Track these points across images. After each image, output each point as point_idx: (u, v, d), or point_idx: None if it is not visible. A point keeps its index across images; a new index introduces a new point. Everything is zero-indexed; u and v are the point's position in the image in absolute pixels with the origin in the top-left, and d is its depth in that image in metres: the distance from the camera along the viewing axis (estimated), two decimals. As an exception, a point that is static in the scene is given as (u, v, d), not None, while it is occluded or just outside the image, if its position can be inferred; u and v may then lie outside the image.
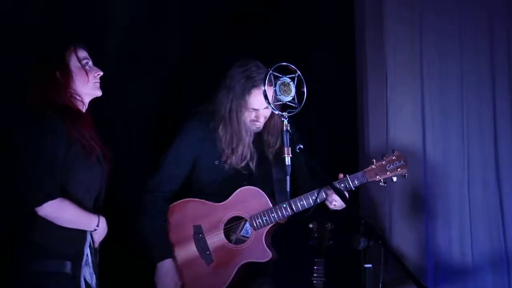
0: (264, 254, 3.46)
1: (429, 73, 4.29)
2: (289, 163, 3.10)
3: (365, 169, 3.44)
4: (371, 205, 4.22)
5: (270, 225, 3.46)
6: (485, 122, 4.29)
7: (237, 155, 3.49)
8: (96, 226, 2.90)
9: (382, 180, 3.44)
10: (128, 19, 4.14)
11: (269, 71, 3.09)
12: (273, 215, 3.44)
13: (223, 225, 3.48)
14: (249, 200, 3.47)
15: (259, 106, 3.45)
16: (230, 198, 3.48)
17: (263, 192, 3.47)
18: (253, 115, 3.49)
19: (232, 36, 4.27)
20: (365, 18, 4.31)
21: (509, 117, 4.29)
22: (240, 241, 3.49)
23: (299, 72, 3.15)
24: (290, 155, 3.08)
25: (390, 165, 3.42)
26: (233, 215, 3.48)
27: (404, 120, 4.27)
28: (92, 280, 2.91)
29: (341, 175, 3.43)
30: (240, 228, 3.49)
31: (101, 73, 3.04)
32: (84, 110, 3.03)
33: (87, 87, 3.01)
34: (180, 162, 3.54)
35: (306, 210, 3.41)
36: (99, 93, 3.05)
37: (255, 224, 3.45)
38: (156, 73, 4.23)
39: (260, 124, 3.50)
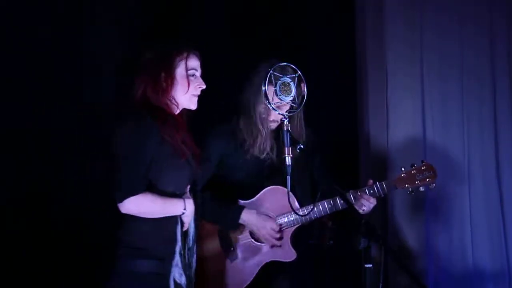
0: (290, 254, 3.45)
1: (429, 74, 4.29)
2: (290, 163, 3.09)
3: (395, 177, 3.50)
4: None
5: (296, 225, 3.46)
6: (486, 123, 4.30)
7: (256, 146, 3.51)
8: (183, 210, 2.89)
9: (410, 189, 3.51)
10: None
11: (269, 71, 3.10)
12: (304, 210, 3.42)
13: None
14: (277, 199, 3.44)
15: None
16: (257, 196, 3.48)
17: (291, 193, 3.37)
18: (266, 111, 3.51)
19: (233, 36, 4.28)
20: (365, 20, 4.31)
21: (510, 117, 4.30)
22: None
23: (299, 72, 3.16)
24: (291, 155, 3.08)
25: (420, 175, 3.49)
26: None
27: (405, 121, 4.28)
28: (182, 280, 2.90)
29: (370, 181, 3.47)
30: None
31: (204, 87, 3.01)
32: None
33: (184, 98, 2.98)
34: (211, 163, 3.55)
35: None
36: (193, 107, 3.01)
37: (281, 224, 3.45)
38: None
39: (273, 123, 3.51)
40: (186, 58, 2.98)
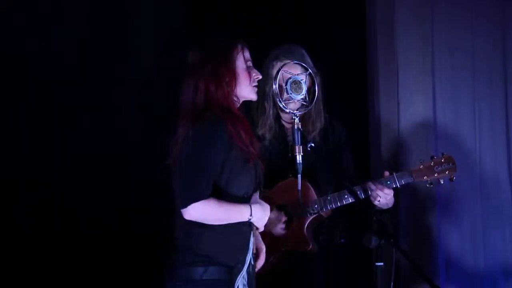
0: (305, 244, 3.38)
1: (441, 69, 4.28)
2: (300, 162, 3.09)
3: (413, 169, 3.41)
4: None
5: (313, 216, 3.39)
6: (497, 118, 4.29)
7: (259, 125, 3.47)
8: (249, 216, 2.81)
9: (429, 181, 3.41)
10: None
11: (280, 69, 3.10)
12: (316, 206, 3.38)
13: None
14: (294, 190, 3.28)
15: (283, 82, 3.37)
16: (275, 187, 3.42)
17: (308, 183, 3.38)
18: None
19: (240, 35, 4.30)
20: (376, 16, 4.30)
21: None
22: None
23: (310, 71, 3.16)
24: (302, 154, 3.07)
25: (438, 167, 3.39)
26: (278, 204, 3.40)
27: (416, 117, 4.27)
28: None
29: (386, 173, 3.39)
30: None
31: (260, 77, 2.95)
32: None
33: (246, 90, 2.91)
34: None
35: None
36: (254, 97, 2.95)
37: (297, 214, 3.39)
38: (162, 72, 4.29)
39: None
40: (242, 50, 2.91)
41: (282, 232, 3.38)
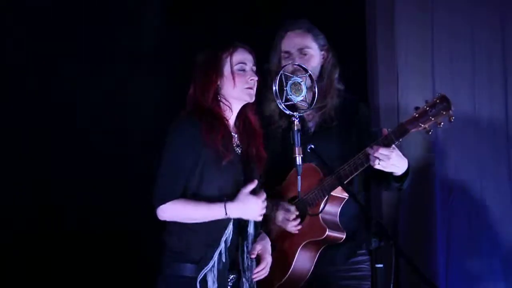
0: (323, 231, 3.24)
1: (441, 74, 4.29)
2: (300, 163, 3.08)
3: (405, 120, 3.10)
4: (382, 204, 4.23)
5: (324, 198, 3.25)
6: (497, 123, 4.29)
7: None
8: (225, 215, 2.86)
9: (427, 128, 3.05)
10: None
11: (280, 71, 3.10)
12: (323, 187, 3.25)
13: None
14: (304, 178, 3.18)
15: (290, 48, 3.39)
16: (286, 180, 3.33)
17: (316, 167, 3.27)
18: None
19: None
20: (376, 18, 4.31)
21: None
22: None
23: (310, 72, 3.16)
24: (302, 155, 3.07)
25: (432, 110, 3.02)
26: (290, 196, 3.32)
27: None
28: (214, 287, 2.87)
29: (385, 131, 3.16)
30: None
31: (255, 78, 2.97)
32: (232, 115, 2.99)
33: (235, 93, 2.96)
34: None
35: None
36: (249, 99, 2.98)
37: (309, 201, 3.28)
38: (158, 73, 4.30)
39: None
40: (231, 53, 2.96)
41: (296, 228, 3.27)
